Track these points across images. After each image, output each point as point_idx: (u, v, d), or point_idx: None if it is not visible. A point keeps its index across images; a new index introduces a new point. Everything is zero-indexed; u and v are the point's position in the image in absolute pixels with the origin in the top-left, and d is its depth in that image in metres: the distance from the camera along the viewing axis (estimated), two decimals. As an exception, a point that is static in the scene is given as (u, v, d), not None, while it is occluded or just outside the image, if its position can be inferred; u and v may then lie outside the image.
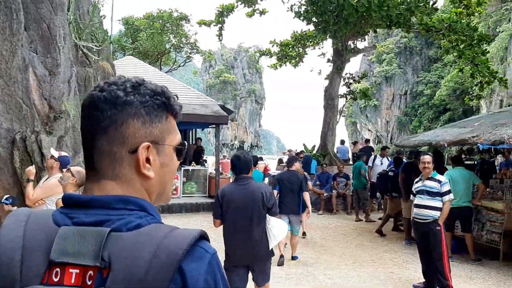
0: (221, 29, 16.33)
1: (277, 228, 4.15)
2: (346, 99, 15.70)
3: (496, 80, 14.76)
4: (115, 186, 0.90)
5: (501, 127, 7.33)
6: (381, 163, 11.56)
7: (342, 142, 16.89)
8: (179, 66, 29.45)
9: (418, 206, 6.03)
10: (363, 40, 15.92)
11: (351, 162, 15.69)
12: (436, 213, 5.87)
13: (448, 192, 5.89)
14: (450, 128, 8.53)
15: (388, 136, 72.49)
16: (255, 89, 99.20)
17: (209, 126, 14.14)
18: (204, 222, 11.04)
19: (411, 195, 6.36)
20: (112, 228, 0.82)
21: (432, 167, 6.04)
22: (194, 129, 17.68)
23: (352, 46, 14.82)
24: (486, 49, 15.25)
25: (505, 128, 7.18)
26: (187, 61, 29.22)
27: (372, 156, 11.96)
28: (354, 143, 16.25)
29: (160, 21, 27.20)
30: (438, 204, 5.89)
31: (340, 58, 14.90)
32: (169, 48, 27.78)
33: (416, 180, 6.26)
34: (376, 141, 71.73)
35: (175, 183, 13.51)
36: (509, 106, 53.16)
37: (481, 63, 14.86)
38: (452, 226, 7.71)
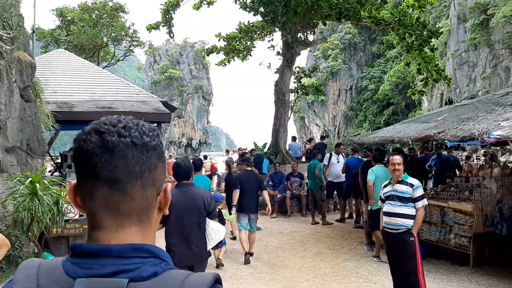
0: (170, 27, 15.10)
1: (215, 231, 4.34)
2: (297, 94, 14.96)
3: (441, 78, 14.57)
4: (137, 232, 0.90)
5: (467, 122, 6.78)
6: (338, 161, 10.91)
7: (294, 138, 16.17)
8: (119, 60, 27.60)
9: (388, 214, 5.29)
10: (313, 32, 15.23)
11: (303, 160, 15.01)
12: (409, 222, 5.15)
13: (422, 197, 5.19)
14: (411, 123, 7.94)
15: (335, 130, 73.50)
16: (202, 85, 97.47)
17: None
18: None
19: (380, 201, 5.61)
20: (129, 278, 0.83)
21: (402, 169, 5.31)
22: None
23: (303, 38, 14.09)
24: (434, 44, 15.06)
25: (472, 123, 6.63)
26: (127, 54, 27.39)
27: (328, 154, 11.26)
28: (309, 140, 15.59)
29: (96, 12, 25.24)
30: (410, 211, 5.17)
31: (290, 51, 14.14)
32: (107, 41, 25.92)
33: (385, 183, 5.52)
34: (324, 135, 72.41)
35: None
36: (449, 100, 55.01)
37: (430, 59, 14.65)
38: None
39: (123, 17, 25.57)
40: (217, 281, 0.89)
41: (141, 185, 0.89)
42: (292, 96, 14.80)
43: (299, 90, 14.87)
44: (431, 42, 14.54)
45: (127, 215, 0.89)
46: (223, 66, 17.28)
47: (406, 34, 14.88)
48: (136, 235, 0.90)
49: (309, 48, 15.28)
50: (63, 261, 0.88)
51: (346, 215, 10.78)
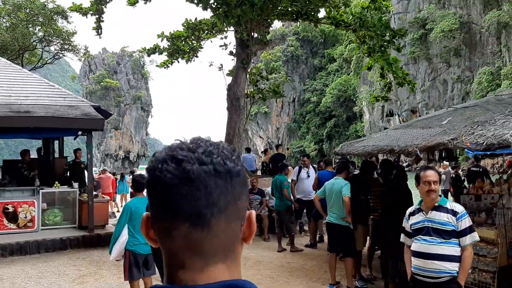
0: (99, 20, 12.85)
1: None
2: (254, 98, 13.28)
3: (406, 82, 13.54)
4: (224, 269, 0.80)
5: (485, 126, 5.40)
6: (308, 176, 9.31)
7: (248, 150, 14.48)
8: (46, 63, 24.54)
9: (422, 255, 3.67)
10: (267, 33, 13.68)
11: (259, 174, 13.34)
12: (454, 266, 3.57)
13: (470, 229, 3.62)
14: (407, 128, 6.49)
15: (279, 142, 72.85)
16: (141, 95, 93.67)
17: (80, 133, 10.71)
18: (70, 268, 7.73)
19: (403, 237, 3.99)
20: None
21: (439, 190, 3.74)
22: (62, 138, 13.83)
23: (260, 36, 12.49)
24: (400, 43, 14.00)
25: (493, 127, 5.25)
26: (56, 57, 24.43)
27: (296, 168, 9.63)
28: (265, 151, 13.92)
29: (28, 10, 22.25)
30: (455, 250, 3.59)
31: (245, 50, 12.48)
32: (35, 42, 22.94)
33: (411, 210, 3.91)
34: (268, 147, 71.68)
35: (31, 211, 9.86)
36: (390, 113, 55.88)
37: (394, 61, 13.62)
38: (336, 246, 6.52)
39: (62, 23, 22.73)
40: None
41: (225, 219, 0.79)
42: (247, 102, 13.13)
43: (255, 95, 13.21)
44: (395, 42, 13.47)
45: (213, 254, 0.79)
46: (165, 68, 15.29)
47: (367, 36, 13.80)
48: (224, 272, 0.80)
49: (271, 46, 13.45)
50: None
51: (317, 238, 9.17)
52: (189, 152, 0.79)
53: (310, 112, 73.08)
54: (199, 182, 0.76)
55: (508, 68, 39.10)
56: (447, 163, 16.83)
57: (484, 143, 5.01)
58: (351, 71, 66.20)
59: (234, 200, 0.80)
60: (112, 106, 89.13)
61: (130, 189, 15.15)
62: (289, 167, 9.51)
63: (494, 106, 6.09)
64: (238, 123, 12.47)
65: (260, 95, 13.17)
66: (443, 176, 14.46)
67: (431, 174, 3.67)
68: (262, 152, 16.20)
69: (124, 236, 5.44)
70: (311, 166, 9.71)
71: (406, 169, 7.60)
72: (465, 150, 5.09)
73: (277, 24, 79.99)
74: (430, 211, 3.68)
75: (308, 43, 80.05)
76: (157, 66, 15.76)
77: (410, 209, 3.93)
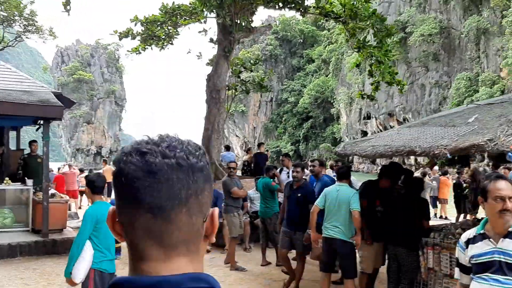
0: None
1: None
2: (236, 91, 12.07)
3: (395, 81, 12.59)
4: (187, 262, 0.82)
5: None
6: (288, 177, 8.20)
7: (228, 148, 13.28)
8: (8, 45, 22.63)
9: (491, 298, 2.60)
10: (251, 20, 12.49)
11: (239, 174, 12.16)
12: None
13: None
14: (423, 126, 5.45)
15: (255, 142, 71.83)
16: (115, 89, 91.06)
17: (34, 122, 9.33)
18: (16, 281, 6.42)
19: (458, 272, 2.89)
20: None
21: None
22: (18, 129, 12.29)
23: (244, 23, 11.31)
24: (390, 44, 13.06)
25: None
26: (19, 39, 22.55)
27: (279, 168, 8.53)
28: (248, 150, 12.73)
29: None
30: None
31: (228, 37, 11.29)
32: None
33: (469, 235, 2.81)
34: (244, 147, 70.59)
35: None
36: (367, 115, 55.61)
37: (384, 59, 12.69)
38: (332, 265, 5.66)
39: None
40: None
41: (186, 212, 0.81)
42: (229, 94, 11.93)
43: (237, 86, 11.99)
44: (389, 40, 12.56)
45: (174, 246, 0.81)
46: (137, 53, 13.97)
47: (357, 29, 12.82)
48: (187, 265, 0.82)
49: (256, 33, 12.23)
50: None
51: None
52: (154, 146, 0.81)
53: (288, 112, 72.34)
54: (161, 175, 0.78)
55: (486, 74, 39.10)
56: (437, 168, 16.07)
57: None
58: (330, 73, 65.76)
59: (196, 194, 0.82)
60: (85, 99, 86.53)
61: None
62: (273, 170, 8.36)
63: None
64: (217, 118, 11.27)
65: (243, 87, 11.97)
66: (434, 183, 13.67)
67: (505, 187, 2.60)
68: (244, 150, 15.01)
69: (88, 250, 4.13)
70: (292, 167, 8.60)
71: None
72: (508, 154, 4.06)
73: (256, 23, 79.06)
74: (501, 239, 2.61)
75: (287, 43, 79.32)
76: (128, 51, 14.36)
77: (467, 234, 2.84)
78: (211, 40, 12.08)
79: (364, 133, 53.23)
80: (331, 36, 69.42)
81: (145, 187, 0.78)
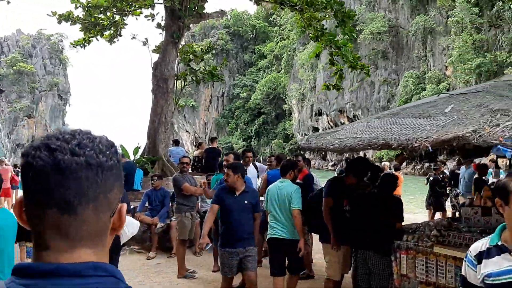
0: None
1: (129, 225, 3.96)
2: (185, 81, 11.17)
3: (359, 66, 12.20)
4: (91, 254, 0.83)
5: (510, 116, 3.96)
6: (248, 176, 7.51)
7: (177, 142, 12.35)
8: None
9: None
10: (202, 5, 11.61)
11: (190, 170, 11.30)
12: None
13: None
14: (394, 117, 4.89)
15: (206, 138, 70.73)
16: (58, 82, 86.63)
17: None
18: None
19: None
20: None
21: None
22: None
23: (195, 7, 10.44)
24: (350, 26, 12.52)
25: None
26: None
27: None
28: (199, 145, 11.85)
29: None
30: None
31: (176, 22, 10.39)
32: None
33: (481, 246, 2.21)
34: (194, 142, 69.33)
35: None
36: (319, 112, 56.03)
37: (344, 44, 12.26)
38: (284, 268, 5.10)
39: None
40: None
41: (94, 209, 0.82)
42: (177, 84, 11.02)
43: (187, 76, 11.10)
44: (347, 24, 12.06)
45: (79, 239, 0.82)
46: (81, 46, 12.72)
47: (313, 19, 12.32)
48: (90, 256, 0.83)
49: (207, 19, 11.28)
50: (7, 283, 0.80)
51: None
52: (63, 143, 0.80)
53: (239, 108, 71.72)
54: (69, 172, 0.79)
55: (433, 72, 40.24)
56: (387, 163, 15.86)
57: (527, 138, 3.52)
58: (282, 69, 65.74)
59: (105, 192, 0.83)
60: (25, 92, 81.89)
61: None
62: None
63: (509, 91, 4.69)
64: (165, 109, 10.37)
65: (193, 76, 11.10)
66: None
67: None
68: (195, 145, 14.12)
69: None
70: (251, 165, 7.90)
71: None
72: (498, 147, 3.57)
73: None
74: (522, 252, 2.02)
75: (238, 38, 78.62)
76: (71, 44, 13.08)
77: (478, 245, 2.24)
78: (159, 26, 11.13)
79: (316, 130, 53.59)
80: (282, 32, 69.45)
81: (53, 183, 0.78)
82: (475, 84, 36.28)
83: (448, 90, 37.46)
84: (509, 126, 3.83)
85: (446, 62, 38.47)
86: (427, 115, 4.61)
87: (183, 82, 11.09)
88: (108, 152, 0.83)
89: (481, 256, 2.17)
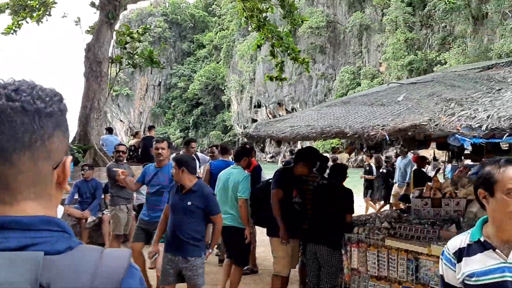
0: None
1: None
2: (121, 65, 10.42)
3: (299, 60, 12.10)
4: (37, 206, 0.83)
5: (468, 105, 3.91)
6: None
7: (110, 130, 11.55)
8: None
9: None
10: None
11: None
12: None
13: None
14: (345, 105, 4.70)
15: (141, 128, 68.61)
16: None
17: None
18: None
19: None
20: (44, 251, 0.77)
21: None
22: None
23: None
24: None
25: (480, 108, 3.77)
26: None
27: (174, 155, 7.32)
28: (135, 134, 11.14)
29: None
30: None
31: (112, 1, 9.63)
32: None
33: (460, 243, 1.99)
34: (129, 132, 67.05)
35: None
36: (258, 104, 56.05)
37: (286, 35, 12.10)
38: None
39: None
40: (130, 256, 0.87)
41: (30, 156, 0.80)
42: (112, 68, 10.26)
43: (123, 59, 10.36)
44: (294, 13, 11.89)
45: (19, 190, 0.81)
46: (13, 33, 11.49)
47: (256, 9, 12.05)
48: (37, 209, 0.82)
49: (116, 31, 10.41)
50: None
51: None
52: (0, 88, 0.79)
53: (177, 98, 70.25)
54: (4, 117, 0.77)
55: (368, 68, 41.57)
56: (288, 153, 15.72)
57: (485, 127, 3.43)
58: (221, 59, 65.08)
59: (42, 139, 0.81)
60: None
61: None
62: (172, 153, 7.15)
63: (460, 82, 4.65)
64: (98, 94, 9.62)
65: (130, 60, 10.39)
66: None
67: None
68: (131, 134, 13.35)
69: None
70: (194, 155, 7.47)
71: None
72: (455, 136, 3.44)
73: (144, 3, 75.07)
74: (512, 250, 1.83)
75: (177, 26, 76.82)
76: (2, 33, 11.78)
77: (456, 242, 2.02)
78: (93, 5, 10.29)
79: (255, 122, 53.63)
80: (222, 22, 68.71)
81: None
82: (406, 81, 38.03)
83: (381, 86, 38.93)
84: (464, 115, 3.74)
85: (380, 59, 39.87)
86: (379, 103, 4.45)
87: (118, 66, 10.33)
88: (47, 99, 0.82)
89: (461, 254, 1.96)
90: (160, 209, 4.97)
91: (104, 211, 7.56)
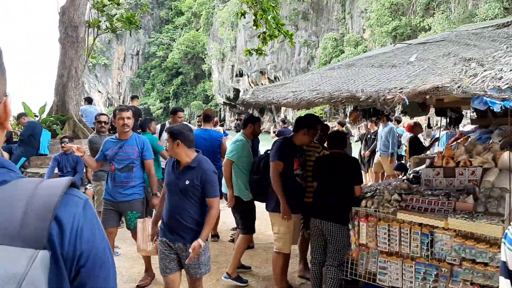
0: None
1: None
2: (99, 29, 9.71)
3: (282, 32, 11.55)
4: None
5: (484, 66, 3.55)
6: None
7: (89, 100, 10.89)
8: None
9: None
10: None
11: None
12: None
13: None
14: (350, 68, 4.28)
15: (120, 98, 67.24)
16: None
17: None
18: None
19: (502, 281, 1.75)
20: None
21: None
22: None
23: None
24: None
25: (507, 68, 3.42)
26: None
27: (159, 126, 6.82)
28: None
29: None
30: None
31: (86, -41, 8.89)
32: None
33: None
34: (108, 103, 65.67)
35: None
36: (240, 73, 55.17)
37: (268, 8, 11.49)
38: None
39: None
40: (74, 184, 0.87)
41: None
42: (90, 34, 9.55)
43: (101, 23, 9.65)
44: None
45: None
46: None
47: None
48: None
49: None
50: None
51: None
52: None
53: (156, 67, 68.62)
54: None
55: (351, 35, 40.96)
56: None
57: (515, 89, 3.08)
58: (200, 27, 63.42)
59: None
60: None
61: None
62: (153, 123, 6.67)
63: (475, 40, 4.27)
64: (75, 62, 8.97)
65: (108, 23, 9.69)
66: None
67: None
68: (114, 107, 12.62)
69: None
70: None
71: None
72: (482, 99, 3.09)
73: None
74: None
75: (154, -8, 74.35)
76: None
77: None
78: (65, -38, 9.48)
79: (237, 91, 52.98)
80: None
81: None
82: (390, 48, 37.57)
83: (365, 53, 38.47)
84: (488, 76, 3.38)
85: (364, 25, 39.25)
86: (390, 65, 4.06)
87: (96, 32, 9.63)
88: None
89: None
90: (131, 186, 4.54)
91: (87, 186, 7.12)
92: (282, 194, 4.15)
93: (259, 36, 12.64)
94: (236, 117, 5.92)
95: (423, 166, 4.79)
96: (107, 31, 9.85)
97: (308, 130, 4.34)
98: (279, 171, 4.21)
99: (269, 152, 4.58)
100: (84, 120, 9.76)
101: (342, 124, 10.23)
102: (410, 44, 4.77)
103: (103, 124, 6.05)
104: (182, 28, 70.33)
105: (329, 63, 41.76)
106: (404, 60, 4.09)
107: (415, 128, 8.16)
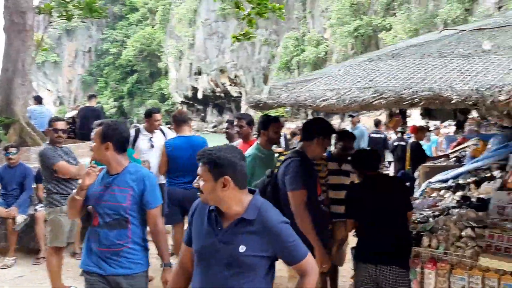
0: None
1: None
2: (51, 16, 8.20)
3: (268, 9, 10.54)
4: None
5: None
6: (152, 146, 5.39)
7: (39, 99, 9.28)
8: None
9: None
10: None
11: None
12: None
13: None
14: (389, 60, 3.28)
15: (71, 97, 64.00)
16: None
17: None
18: None
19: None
20: None
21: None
22: None
23: None
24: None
25: None
26: None
27: (133, 131, 5.55)
28: (77, 107, 9.07)
29: None
30: None
31: None
32: None
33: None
34: (58, 102, 62.26)
35: None
36: (199, 71, 53.84)
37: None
38: None
39: None
40: None
41: None
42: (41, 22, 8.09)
43: (54, 10, 8.16)
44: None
45: None
46: None
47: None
48: None
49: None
50: None
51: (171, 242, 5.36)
52: None
53: (109, 65, 65.92)
54: None
55: (312, 34, 40.57)
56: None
57: None
58: (156, 24, 61.40)
59: None
60: None
61: None
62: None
63: None
64: (22, 54, 7.50)
65: (62, 9, 8.23)
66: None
67: None
68: (71, 108, 11.11)
69: None
70: (159, 130, 5.75)
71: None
72: None
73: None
74: None
75: (107, -12, 71.35)
76: None
77: None
78: None
79: (195, 89, 51.53)
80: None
81: None
82: (352, 49, 37.35)
83: (326, 53, 38.06)
84: None
85: (325, 25, 38.90)
86: (459, 54, 3.07)
87: (47, 19, 8.17)
88: None
89: None
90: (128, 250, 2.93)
91: (37, 207, 5.72)
92: (315, 235, 3.00)
93: (243, 19, 11.56)
94: (235, 122, 4.64)
95: (483, 187, 3.82)
96: (60, 18, 8.40)
97: (324, 139, 3.24)
98: (305, 202, 3.06)
99: (275, 173, 3.36)
100: (33, 122, 8.26)
101: (377, 123, 9.31)
102: (460, 30, 3.80)
103: (60, 133, 4.50)
104: (136, 25, 67.94)
105: (290, 62, 41.21)
106: (475, 49, 3.12)
107: (419, 133, 7.28)
